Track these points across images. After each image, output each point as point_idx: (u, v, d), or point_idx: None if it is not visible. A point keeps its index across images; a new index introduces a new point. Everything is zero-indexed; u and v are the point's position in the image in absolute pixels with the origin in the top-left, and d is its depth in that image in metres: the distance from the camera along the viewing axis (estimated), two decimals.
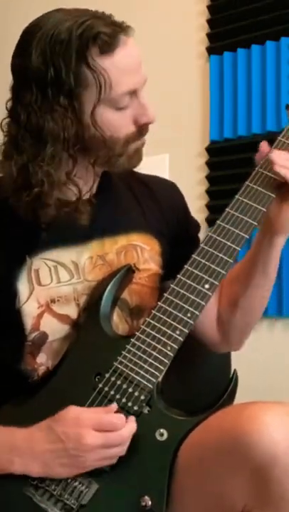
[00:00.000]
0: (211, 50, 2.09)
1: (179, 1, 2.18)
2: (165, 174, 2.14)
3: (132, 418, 1.00)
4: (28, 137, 1.08)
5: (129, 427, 0.99)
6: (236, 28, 2.03)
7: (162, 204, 1.28)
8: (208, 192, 2.06)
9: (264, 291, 1.20)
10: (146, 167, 2.08)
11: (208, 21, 2.10)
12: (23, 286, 1.12)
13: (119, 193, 1.26)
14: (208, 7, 2.10)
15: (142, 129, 1.14)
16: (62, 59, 1.04)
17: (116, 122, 1.10)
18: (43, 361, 1.14)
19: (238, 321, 1.23)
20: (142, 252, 1.22)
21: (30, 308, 1.12)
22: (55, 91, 1.05)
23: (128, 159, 1.15)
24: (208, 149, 2.08)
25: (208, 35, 2.10)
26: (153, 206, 1.27)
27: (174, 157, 2.14)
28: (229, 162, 2.03)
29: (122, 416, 1.00)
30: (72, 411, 1.00)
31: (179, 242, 1.26)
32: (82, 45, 1.03)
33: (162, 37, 2.18)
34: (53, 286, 1.14)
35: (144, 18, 2.22)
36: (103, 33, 1.04)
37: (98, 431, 0.97)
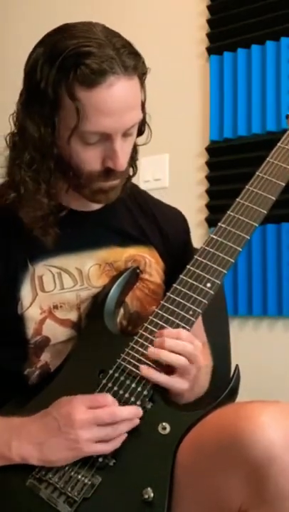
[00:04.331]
0: (211, 50, 2.09)
1: (179, 1, 2.18)
2: (165, 174, 2.15)
3: (135, 406, 1.01)
4: (16, 136, 1.09)
5: (126, 408, 1.00)
6: (236, 28, 2.03)
7: (165, 231, 1.27)
8: (208, 192, 2.06)
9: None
10: (146, 167, 2.10)
11: (208, 21, 2.10)
12: (26, 293, 1.13)
13: (128, 206, 1.26)
14: (208, 7, 2.10)
15: (108, 172, 1.09)
16: (48, 71, 1.02)
17: (81, 155, 1.07)
18: (45, 359, 1.15)
19: None
20: (150, 263, 1.23)
21: (32, 314, 1.13)
22: (39, 99, 1.04)
23: (91, 194, 1.13)
24: (208, 149, 2.08)
25: (208, 35, 2.10)
26: (155, 229, 1.27)
27: (174, 157, 2.14)
28: (229, 162, 2.03)
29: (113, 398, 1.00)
30: (67, 396, 1.01)
31: (174, 268, 1.24)
32: (67, 68, 1.01)
33: (162, 37, 2.18)
34: (56, 293, 1.15)
35: (144, 17, 2.22)
36: (86, 66, 1.00)
37: (90, 408, 0.98)
